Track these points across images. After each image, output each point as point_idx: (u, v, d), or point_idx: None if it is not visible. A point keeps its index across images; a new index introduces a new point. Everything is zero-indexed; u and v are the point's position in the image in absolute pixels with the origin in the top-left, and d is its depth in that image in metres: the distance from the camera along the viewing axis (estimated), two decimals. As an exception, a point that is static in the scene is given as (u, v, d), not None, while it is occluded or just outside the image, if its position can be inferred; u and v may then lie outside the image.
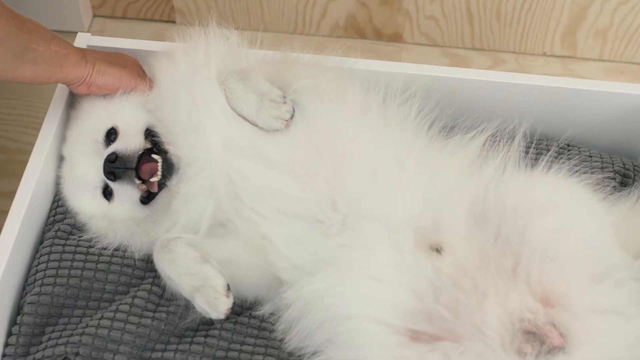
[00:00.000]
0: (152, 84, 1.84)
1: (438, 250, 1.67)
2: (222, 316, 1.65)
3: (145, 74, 1.85)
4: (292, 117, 1.74)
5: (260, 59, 1.86)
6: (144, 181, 1.75)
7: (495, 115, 1.78)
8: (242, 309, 1.77)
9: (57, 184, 1.92)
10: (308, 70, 1.81)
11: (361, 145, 1.73)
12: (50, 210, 1.91)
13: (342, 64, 1.86)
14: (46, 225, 1.89)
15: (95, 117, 1.83)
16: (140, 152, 1.74)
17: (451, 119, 1.80)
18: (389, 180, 1.71)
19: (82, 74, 1.76)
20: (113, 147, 1.75)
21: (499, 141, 1.78)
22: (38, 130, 2.46)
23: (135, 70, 1.84)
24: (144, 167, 1.74)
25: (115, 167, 1.72)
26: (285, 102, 1.74)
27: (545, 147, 1.92)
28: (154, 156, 1.74)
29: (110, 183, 1.75)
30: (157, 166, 1.74)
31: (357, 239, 1.67)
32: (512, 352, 1.56)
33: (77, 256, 1.81)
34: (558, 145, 1.91)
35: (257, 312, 1.76)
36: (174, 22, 2.77)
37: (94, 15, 2.79)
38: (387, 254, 1.66)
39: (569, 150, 1.92)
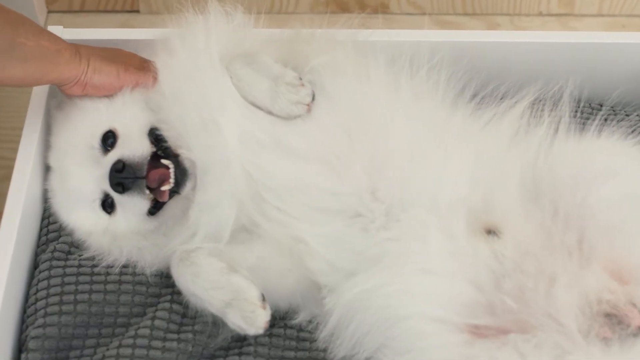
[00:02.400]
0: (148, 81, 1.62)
1: (494, 232, 1.51)
2: (261, 331, 1.47)
3: (150, 66, 1.62)
4: (313, 99, 1.55)
5: (267, 38, 1.65)
6: (151, 190, 1.54)
7: (533, 78, 1.62)
8: (275, 320, 1.58)
9: (46, 199, 1.69)
10: (322, 46, 1.61)
11: (396, 124, 1.55)
12: (42, 229, 1.69)
13: (357, 37, 1.66)
14: (39, 247, 1.67)
15: (89, 118, 1.61)
16: (148, 158, 1.53)
17: (483, 87, 1.62)
18: (432, 160, 1.53)
19: (77, 72, 1.54)
20: (117, 154, 1.53)
21: (543, 106, 1.60)
22: (10, 142, 2.27)
23: (134, 65, 1.62)
24: (151, 175, 1.53)
25: (123, 178, 1.50)
26: (303, 84, 1.55)
27: (592, 109, 1.76)
28: (164, 161, 1.54)
29: (116, 195, 1.53)
30: (169, 173, 1.53)
31: (404, 230, 1.50)
32: (595, 339, 1.40)
33: (81, 278, 1.59)
34: (607, 107, 1.75)
35: (293, 322, 1.57)
36: (137, 11, 2.55)
37: (49, 11, 2.54)
38: (439, 243, 1.49)
39: (617, 112, 1.75)
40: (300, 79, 1.56)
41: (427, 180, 1.52)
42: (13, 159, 2.26)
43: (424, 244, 1.49)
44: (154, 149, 1.56)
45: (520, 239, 1.49)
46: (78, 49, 1.56)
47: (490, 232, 1.50)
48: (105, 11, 2.55)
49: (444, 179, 1.52)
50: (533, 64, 1.71)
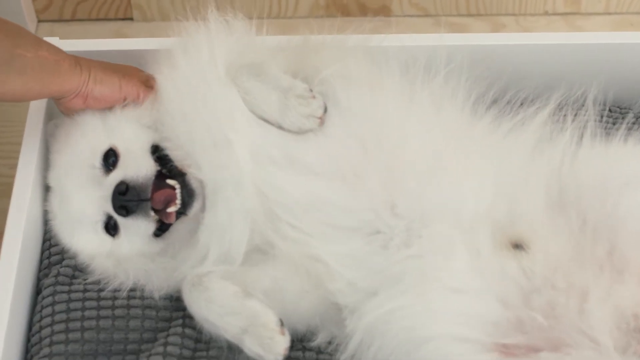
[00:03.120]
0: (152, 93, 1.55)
1: (520, 246, 1.44)
2: (280, 358, 1.39)
3: (152, 81, 1.55)
4: (325, 112, 1.47)
5: (274, 47, 1.57)
6: (156, 211, 1.46)
7: (554, 82, 1.54)
8: (293, 342, 1.47)
9: (46, 220, 1.61)
10: (333, 55, 1.54)
11: (413, 135, 1.48)
12: (43, 252, 1.61)
13: (368, 43, 1.58)
14: (41, 271, 1.59)
15: (88, 136, 1.53)
16: (153, 179, 1.45)
17: (502, 92, 1.55)
18: (453, 172, 1.46)
19: (77, 83, 1.46)
20: (119, 174, 1.46)
21: (566, 112, 1.53)
22: (6, 159, 2.19)
23: (136, 77, 1.54)
24: (156, 196, 1.46)
25: (127, 200, 1.43)
26: (314, 96, 1.47)
27: (619, 113, 1.69)
28: (170, 181, 1.46)
29: (119, 218, 1.45)
30: (175, 193, 1.45)
31: (426, 247, 1.43)
32: (633, 356, 1.33)
33: (87, 303, 1.51)
34: (635, 111, 1.68)
35: (312, 344, 1.49)
36: (131, 19, 2.48)
37: (39, 21, 2.46)
38: (464, 260, 1.42)
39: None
40: (311, 90, 1.49)
41: (449, 193, 1.45)
42: (10, 176, 2.19)
43: (448, 261, 1.42)
44: (158, 168, 1.48)
45: (548, 253, 1.42)
46: (78, 60, 1.49)
47: (517, 246, 1.44)
48: (98, 19, 2.48)
49: (466, 191, 1.45)
50: (554, 67, 1.64)
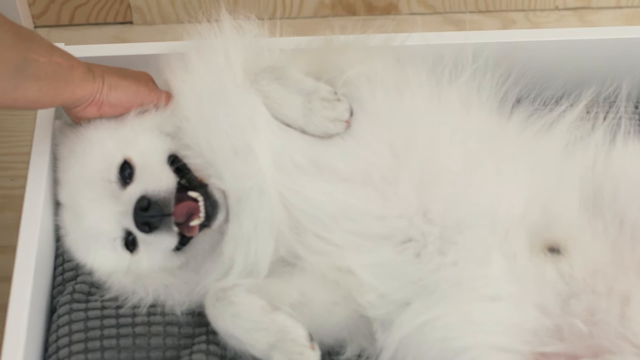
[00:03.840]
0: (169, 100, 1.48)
1: (556, 250, 1.39)
2: (311, 374, 1.33)
3: (161, 90, 1.49)
4: (351, 115, 1.41)
5: (293, 48, 1.51)
6: (178, 224, 1.40)
7: (585, 79, 1.49)
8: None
9: (58, 235, 1.54)
10: (357, 55, 1.48)
11: (444, 137, 1.42)
12: (56, 268, 1.54)
13: (391, 42, 1.52)
14: (54, 288, 1.52)
15: (101, 149, 1.46)
16: (174, 192, 1.39)
17: (530, 90, 1.51)
18: (486, 175, 1.41)
19: (92, 90, 1.40)
20: (139, 189, 1.39)
21: (598, 109, 1.48)
22: (6, 170, 2.13)
23: (152, 82, 1.48)
24: (178, 209, 1.39)
25: (150, 216, 1.36)
26: (339, 99, 1.41)
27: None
28: (192, 194, 1.40)
29: (140, 235, 1.39)
30: (198, 206, 1.39)
31: (461, 254, 1.37)
32: (680, 363, 1.28)
33: (106, 322, 1.45)
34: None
35: (341, 357, 1.43)
36: (130, 22, 2.41)
37: (35, 26, 2.39)
38: (500, 266, 1.37)
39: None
40: (336, 92, 1.43)
41: (483, 197, 1.39)
42: (10, 188, 2.13)
43: (484, 268, 1.37)
44: (177, 179, 1.42)
45: (587, 256, 1.37)
46: (89, 66, 1.42)
47: (553, 249, 1.39)
48: (96, 24, 2.41)
49: (501, 195, 1.40)
50: (585, 63, 1.59)
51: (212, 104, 1.42)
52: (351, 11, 2.38)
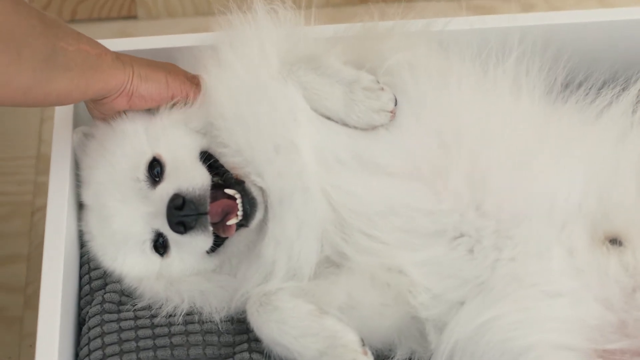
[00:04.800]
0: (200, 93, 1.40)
1: (617, 241, 1.32)
2: (364, 380, 1.25)
3: (195, 80, 1.40)
4: (395, 105, 1.33)
5: (330, 37, 1.43)
6: (213, 224, 1.32)
7: (634, 61, 1.41)
8: (368, 361, 1.36)
9: (82, 241, 1.46)
10: (397, 42, 1.40)
11: (495, 125, 1.35)
12: (82, 277, 1.45)
13: (431, 27, 1.44)
14: (82, 299, 1.44)
15: (128, 145, 1.38)
16: (209, 189, 1.31)
17: (579, 75, 1.43)
18: (540, 164, 1.33)
19: (122, 78, 1.31)
20: (171, 187, 1.31)
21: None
22: (11, 175, 2.03)
23: (182, 74, 1.39)
24: (213, 207, 1.31)
25: (184, 216, 1.27)
26: (383, 88, 1.34)
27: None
28: (229, 191, 1.32)
29: (174, 236, 1.30)
30: (235, 204, 1.31)
31: (519, 248, 1.30)
32: None
33: (140, 332, 1.36)
34: None
35: (391, 362, 1.35)
36: (135, 17, 2.32)
37: (36, 24, 2.28)
38: (560, 260, 1.31)
39: None
40: (378, 81, 1.35)
41: (538, 188, 1.32)
42: (16, 194, 2.05)
43: (544, 263, 1.30)
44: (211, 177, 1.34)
45: (648, 247, 1.30)
46: (118, 55, 1.34)
47: (614, 241, 1.32)
48: (100, 19, 2.32)
49: (556, 185, 1.33)
50: (634, 44, 1.51)
51: (250, 101, 1.34)
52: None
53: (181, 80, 1.37)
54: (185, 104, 1.38)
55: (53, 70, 1.22)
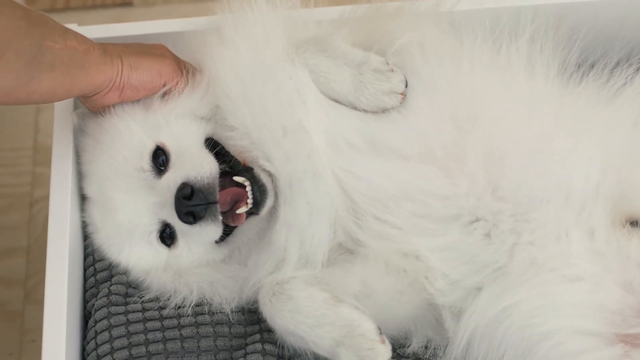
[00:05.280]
0: (199, 77, 1.36)
1: (637, 223, 1.29)
2: (384, 370, 1.22)
3: (186, 65, 1.36)
4: (406, 87, 1.30)
5: (336, 18, 1.39)
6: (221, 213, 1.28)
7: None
8: (387, 350, 1.32)
9: (86, 233, 1.42)
10: (407, 22, 1.36)
11: (510, 106, 1.31)
12: (86, 270, 1.41)
13: (440, 7, 1.41)
14: (87, 291, 1.40)
15: (131, 135, 1.34)
16: (218, 177, 1.27)
17: (592, 53, 1.40)
18: (557, 145, 1.30)
19: (111, 73, 1.27)
20: (177, 176, 1.27)
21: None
22: (9, 167, 1.99)
23: (170, 58, 1.35)
24: (222, 196, 1.28)
25: (194, 205, 1.24)
26: (393, 70, 1.30)
27: None
28: (238, 178, 1.28)
29: (183, 226, 1.27)
30: (244, 192, 1.27)
31: (537, 232, 1.27)
32: None
33: (149, 325, 1.33)
34: None
35: (407, 350, 1.32)
36: (130, 4, 2.28)
37: (29, 12, 2.24)
38: (580, 243, 1.27)
39: None
40: (387, 63, 1.31)
41: (556, 170, 1.29)
42: (14, 186, 2.01)
43: (563, 246, 1.27)
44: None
45: (669, 229, 1.27)
46: (105, 47, 1.29)
47: (634, 223, 1.29)
48: (94, 7, 2.28)
49: (574, 166, 1.29)
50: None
51: (256, 81, 1.31)
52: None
53: (172, 67, 1.33)
54: (178, 93, 1.34)
55: (37, 70, 1.18)
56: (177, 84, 1.34)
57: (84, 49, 1.24)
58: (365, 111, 1.31)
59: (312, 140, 1.28)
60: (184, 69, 1.36)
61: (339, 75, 1.31)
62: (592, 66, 1.41)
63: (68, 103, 1.47)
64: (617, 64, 1.40)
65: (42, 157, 2.03)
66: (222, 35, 1.35)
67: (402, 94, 1.30)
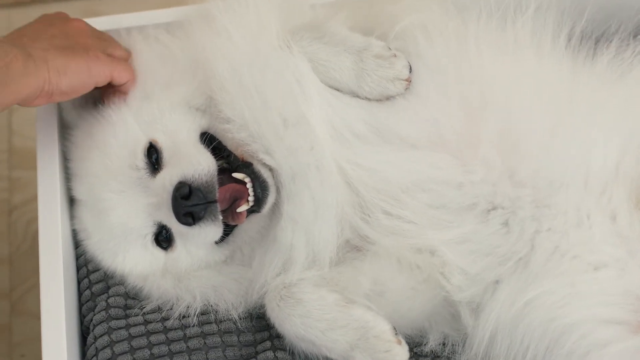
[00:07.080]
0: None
1: (657, 204, 1.23)
2: (402, 371, 1.16)
3: (119, 52, 1.28)
4: (410, 72, 1.23)
5: (332, 2, 1.32)
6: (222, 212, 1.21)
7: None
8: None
9: (76, 241, 1.34)
10: (409, 3, 1.29)
11: (521, 87, 1.25)
12: (80, 282, 1.33)
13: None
14: (83, 305, 1.32)
15: (123, 132, 1.26)
16: (216, 174, 1.20)
17: (598, 27, 1.34)
18: (573, 126, 1.24)
19: (37, 85, 1.17)
20: (172, 174, 1.20)
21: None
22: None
23: (98, 47, 1.26)
24: (221, 193, 1.21)
25: (192, 206, 1.16)
26: (395, 55, 1.23)
27: None
28: (237, 175, 1.21)
29: (181, 228, 1.19)
30: (245, 189, 1.21)
31: (558, 218, 1.21)
32: None
33: (153, 338, 1.26)
34: None
35: (424, 348, 1.26)
36: (100, -6, 2.17)
37: (-5, 8, 2.14)
38: (602, 227, 1.22)
39: None
40: (389, 48, 1.24)
41: (573, 151, 1.23)
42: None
43: (585, 232, 1.21)
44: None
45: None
46: (27, 50, 1.18)
47: (653, 203, 1.23)
48: (62, -1, 2.16)
49: (592, 146, 1.24)
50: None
51: (252, 72, 1.24)
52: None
53: (100, 60, 1.23)
54: (121, 84, 1.26)
55: None
56: (111, 79, 1.25)
57: (4, 64, 1.14)
58: (369, 99, 1.25)
59: (314, 131, 1.22)
60: (119, 59, 1.28)
61: (339, 63, 1.24)
62: (599, 39, 1.35)
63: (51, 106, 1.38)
64: (628, 36, 1.34)
65: (18, 160, 1.94)
66: (211, 22, 1.27)
67: (406, 80, 1.23)
